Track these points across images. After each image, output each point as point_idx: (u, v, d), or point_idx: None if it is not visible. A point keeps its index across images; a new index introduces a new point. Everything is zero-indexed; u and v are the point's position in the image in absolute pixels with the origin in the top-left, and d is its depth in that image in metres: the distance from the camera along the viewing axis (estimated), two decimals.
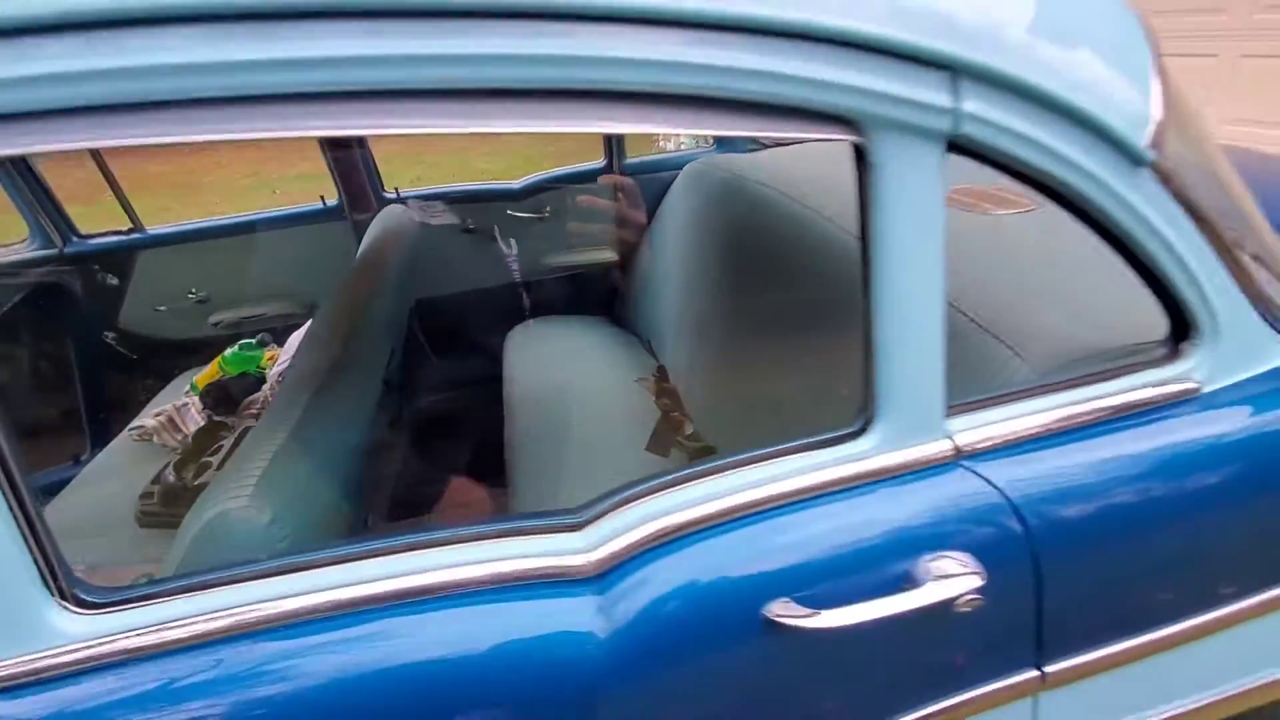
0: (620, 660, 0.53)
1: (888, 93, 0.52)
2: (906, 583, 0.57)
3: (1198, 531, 0.67)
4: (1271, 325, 0.70)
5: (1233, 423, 0.68)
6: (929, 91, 0.53)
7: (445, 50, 0.44)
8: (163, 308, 1.85)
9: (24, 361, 1.72)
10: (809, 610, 0.54)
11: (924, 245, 0.57)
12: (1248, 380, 0.69)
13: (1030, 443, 0.64)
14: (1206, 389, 0.68)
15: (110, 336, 1.82)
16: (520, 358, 1.54)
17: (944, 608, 0.56)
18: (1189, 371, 0.68)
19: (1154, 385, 0.67)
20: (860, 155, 0.54)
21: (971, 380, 0.77)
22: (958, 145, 0.56)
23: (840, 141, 0.54)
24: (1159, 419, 0.66)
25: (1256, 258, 0.72)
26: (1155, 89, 0.62)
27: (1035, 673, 0.63)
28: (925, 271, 0.57)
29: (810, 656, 0.58)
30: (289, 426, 0.80)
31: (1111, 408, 0.66)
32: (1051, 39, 0.58)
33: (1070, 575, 0.63)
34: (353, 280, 1.31)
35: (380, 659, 0.51)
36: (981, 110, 0.54)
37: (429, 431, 1.41)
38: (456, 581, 0.52)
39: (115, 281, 1.82)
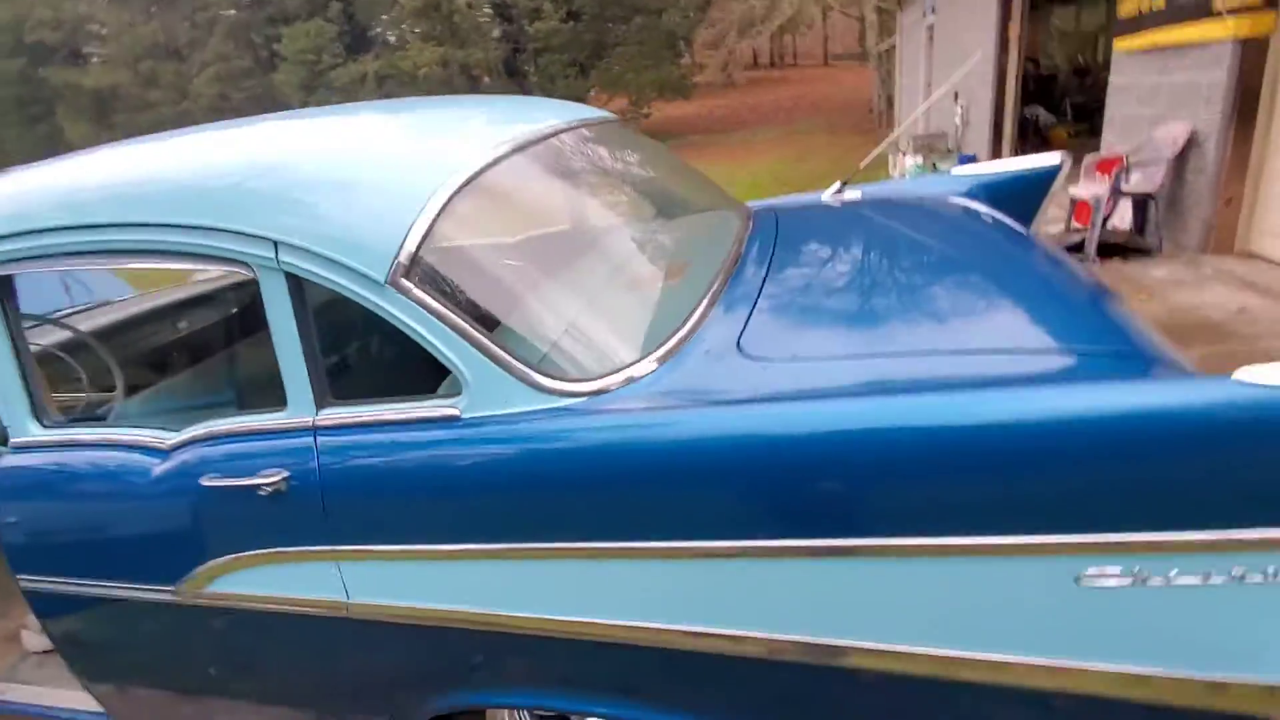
0: (156, 485, 1.28)
1: (240, 253, 1.18)
2: (257, 474, 1.20)
3: (438, 492, 1.15)
4: (519, 379, 1.12)
5: (470, 436, 1.13)
6: (266, 252, 1.17)
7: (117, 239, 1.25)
8: None
9: None
10: (214, 478, 1.22)
11: (285, 321, 1.19)
12: (496, 415, 1.13)
13: (350, 427, 1.20)
14: (465, 414, 1.15)
15: None
16: None
17: (261, 489, 1.18)
18: (452, 402, 1.15)
19: (428, 407, 1.17)
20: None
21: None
22: (295, 276, 1.17)
23: (243, 274, 1.20)
24: (422, 428, 1.16)
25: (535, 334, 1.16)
26: (414, 237, 1.13)
27: (330, 546, 1.20)
28: (287, 332, 1.19)
29: (214, 505, 1.25)
30: None
31: (400, 419, 1.18)
32: (329, 220, 1.16)
33: (342, 497, 1.18)
34: None
35: None
36: (289, 259, 1.16)
37: None
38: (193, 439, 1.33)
39: None
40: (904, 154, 9.11)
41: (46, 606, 1.47)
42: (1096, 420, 0.89)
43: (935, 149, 8.83)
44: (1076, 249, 4.39)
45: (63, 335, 1.97)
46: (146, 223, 1.24)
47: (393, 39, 23.83)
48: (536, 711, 1.45)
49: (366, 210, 1.19)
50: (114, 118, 23.33)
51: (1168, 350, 1.16)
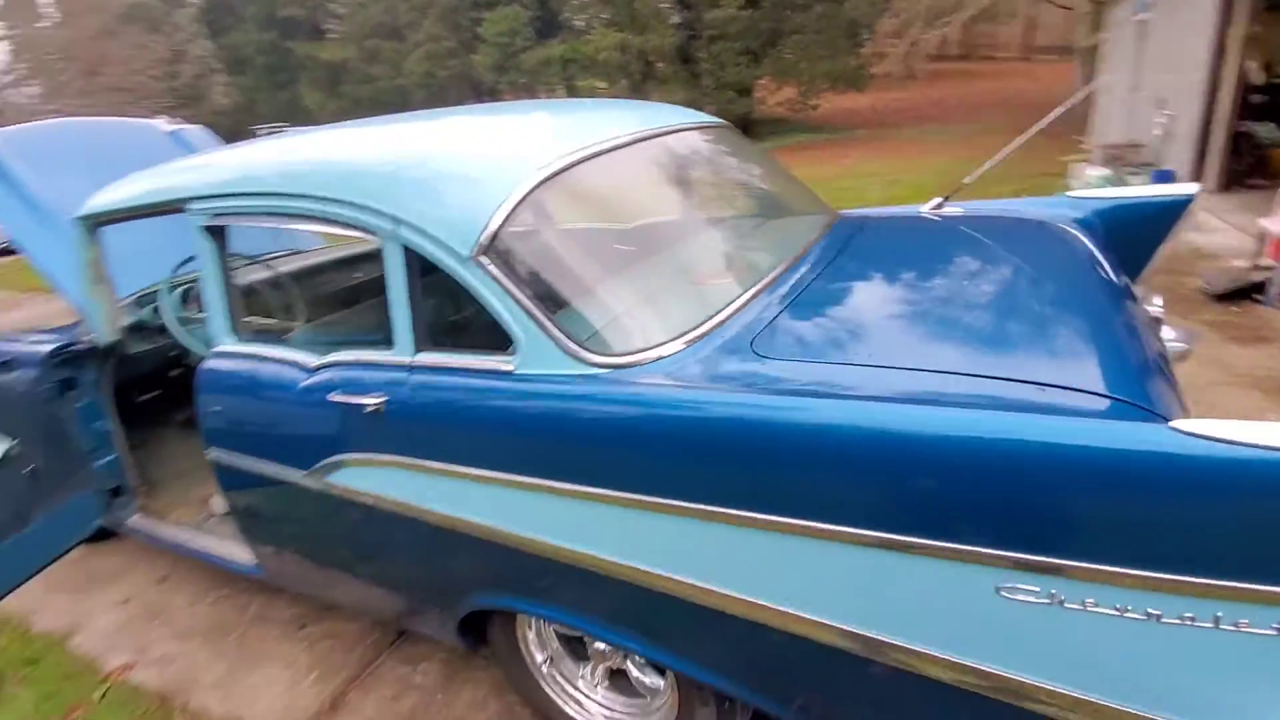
0: (302, 394, 1.69)
1: (372, 224, 1.53)
2: (365, 396, 1.56)
3: (489, 429, 1.44)
4: (560, 348, 1.37)
5: (517, 389, 1.40)
6: (388, 225, 1.51)
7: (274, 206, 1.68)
8: None
9: None
10: (337, 395, 1.60)
11: (398, 278, 1.53)
12: (539, 375, 1.39)
13: (435, 369, 1.52)
14: (517, 371, 1.42)
15: None
16: None
17: (366, 408, 1.54)
18: (509, 360, 1.43)
19: (492, 361, 1.45)
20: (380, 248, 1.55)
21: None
22: (408, 246, 1.50)
23: (370, 240, 1.56)
24: (484, 377, 1.45)
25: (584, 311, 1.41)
26: (494, 223, 1.41)
27: (410, 459, 1.53)
28: (398, 287, 1.53)
29: (334, 416, 1.62)
30: None
31: (471, 367, 1.47)
32: (435, 204, 1.47)
33: (422, 422, 1.50)
34: None
35: None
36: (405, 233, 1.49)
37: None
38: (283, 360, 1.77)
39: None
40: (1086, 165, 8.24)
41: (224, 477, 1.97)
42: (1031, 448, 0.97)
43: (1127, 162, 7.88)
44: (1256, 289, 3.85)
45: (264, 274, 2.52)
46: (308, 195, 1.64)
47: (580, 24, 24.99)
48: (557, 628, 1.72)
49: (463, 199, 1.49)
50: (341, 88, 26.72)
51: (1175, 404, 1.15)
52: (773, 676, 1.33)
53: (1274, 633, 0.88)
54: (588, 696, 1.77)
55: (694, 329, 1.42)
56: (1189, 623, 0.92)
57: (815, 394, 1.16)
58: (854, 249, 1.89)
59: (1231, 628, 0.90)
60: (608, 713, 1.75)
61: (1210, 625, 0.91)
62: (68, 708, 2.16)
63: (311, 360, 1.73)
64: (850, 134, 19.76)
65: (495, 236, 1.41)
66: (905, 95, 23.96)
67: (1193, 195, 2.17)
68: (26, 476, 2.26)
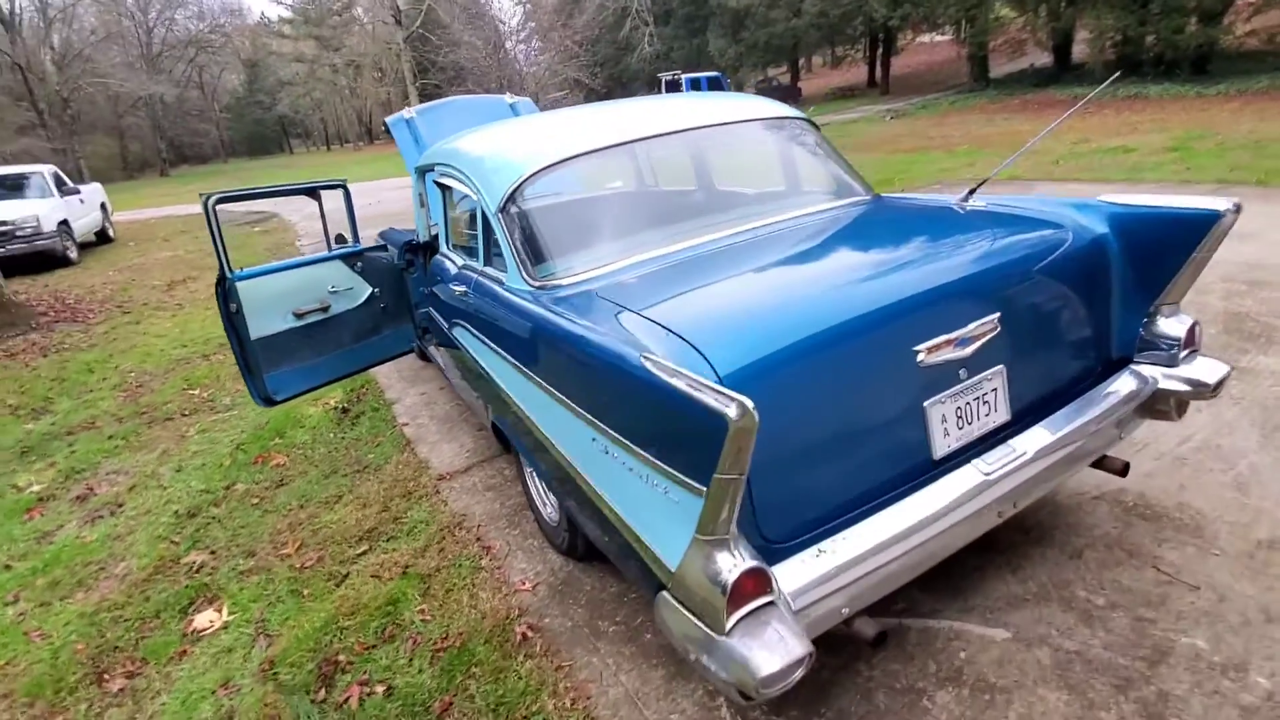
0: (453, 278, 3.03)
1: (473, 187, 2.71)
2: (463, 285, 2.81)
3: (492, 313, 2.55)
4: (521, 275, 2.38)
5: (500, 295, 2.45)
6: (475, 189, 2.68)
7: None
8: None
9: None
10: (456, 285, 2.90)
11: (479, 220, 2.71)
12: (512, 287, 2.42)
13: (484, 276, 2.66)
14: (506, 283, 2.47)
15: None
16: None
17: (456, 294, 2.80)
18: (503, 277, 2.48)
19: (500, 278, 2.53)
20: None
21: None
22: (480, 204, 2.65)
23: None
24: (496, 285, 2.54)
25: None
26: (508, 192, 2.46)
27: (465, 322, 2.73)
28: (480, 226, 2.71)
29: (451, 295, 2.91)
30: None
31: (495, 278, 2.58)
32: (489, 178, 2.57)
33: (477, 305, 2.68)
34: None
35: None
36: (479, 197, 2.64)
37: None
38: None
39: None
40: None
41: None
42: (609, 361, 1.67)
43: None
44: None
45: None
46: (453, 166, 2.89)
47: None
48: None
49: (496, 179, 2.54)
50: (741, 34, 28.72)
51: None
52: (537, 452, 2.24)
53: (663, 492, 1.48)
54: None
55: (580, 276, 2.25)
56: (639, 475, 1.55)
57: (586, 324, 1.89)
58: (826, 228, 2.45)
59: (654, 486, 1.51)
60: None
61: (644, 479, 1.54)
62: (380, 432, 4.10)
63: (460, 260, 3.05)
64: None
65: (508, 201, 2.45)
66: None
67: (1219, 213, 1.99)
68: (379, 309, 4.17)
